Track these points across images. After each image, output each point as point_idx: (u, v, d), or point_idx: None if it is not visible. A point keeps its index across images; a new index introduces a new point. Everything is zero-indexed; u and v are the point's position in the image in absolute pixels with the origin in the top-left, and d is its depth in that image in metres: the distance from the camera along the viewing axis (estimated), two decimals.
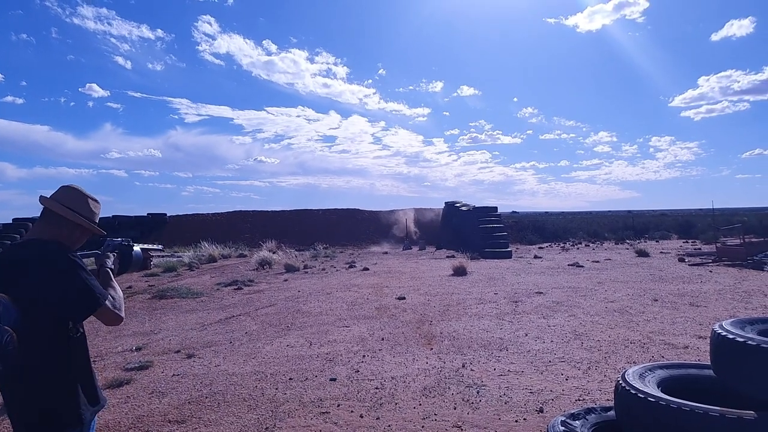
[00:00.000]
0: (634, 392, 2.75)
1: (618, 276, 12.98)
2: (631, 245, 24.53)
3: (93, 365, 2.19)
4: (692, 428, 2.46)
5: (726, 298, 9.35)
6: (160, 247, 2.90)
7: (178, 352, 6.54)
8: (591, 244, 27.11)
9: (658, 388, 2.85)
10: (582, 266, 15.48)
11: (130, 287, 12.42)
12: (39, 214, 2.13)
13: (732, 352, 2.68)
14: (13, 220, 31.32)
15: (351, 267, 17.04)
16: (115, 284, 2.19)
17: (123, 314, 2.09)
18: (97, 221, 2.23)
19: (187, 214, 38.53)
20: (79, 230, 2.15)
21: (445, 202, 30.10)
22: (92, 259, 2.33)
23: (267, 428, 4.04)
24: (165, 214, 37.06)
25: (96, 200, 2.22)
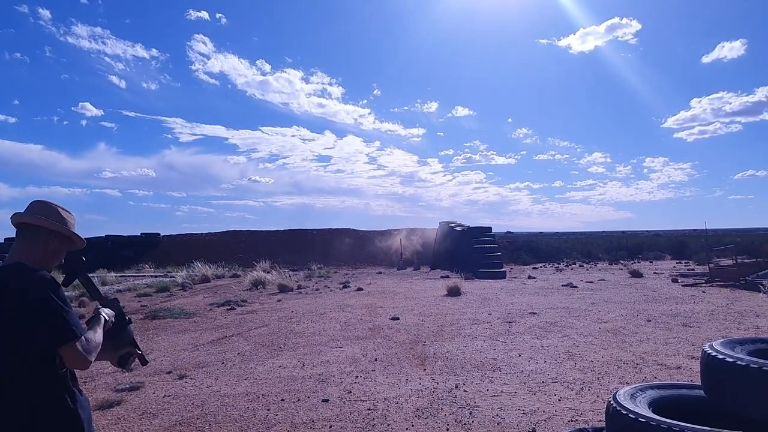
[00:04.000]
0: (625, 412, 2.76)
1: (611, 297, 13.01)
2: (624, 266, 24.64)
3: (83, 394, 2.08)
4: None
5: (719, 319, 9.38)
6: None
7: (169, 372, 6.49)
8: (585, 265, 27.19)
9: (649, 408, 2.86)
10: (576, 287, 15.52)
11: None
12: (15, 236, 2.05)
13: (722, 372, 2.70)
14: (5, 239, 31.14)
15: (345, 287, 17.00)
16: (100, 331, 2.04)
17: (92, 359, 1.92)
18: (73, 230, 2.12)
19: (180, 234, 38.47)
20: (55, 239, 2.05)
21: (440, 222, 30.20)
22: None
23: None
24: (158, 234, 36.98)
25: (68, 211, 2.13)
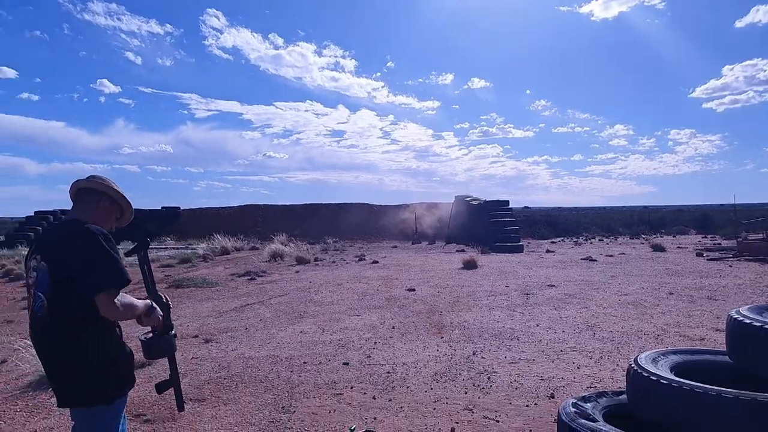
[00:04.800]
0: (646, 375, 2.79)
1: (632, 270, 12.94)
2: (646, 240, 24.37)
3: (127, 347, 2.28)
4: (705, 410, 2.50)
5: (746, 293, 9.27)
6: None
7: (195, 336, 6.67)
8: (605, 239, 26.98)
9: (671, 372, 2.89)
10: (595, 260, 15.44)
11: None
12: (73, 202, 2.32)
13: (749, 336, 2.71)
14: (35, 212, 31.84)
15: (360, 260, 17.13)
16: (140, 304, 2.21)
17: (120, 312, 2.08)
18: (126, 198, 2.38)
19: (200, 208, 38.85)
20: (106, 200, 2.30)
21: (455, 196, 30.04)
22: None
23: (283, 407, 4.14)
24: (178, 208, 37.40)
25: (115, 184, 2.39)
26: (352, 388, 4.61)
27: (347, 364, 5.35)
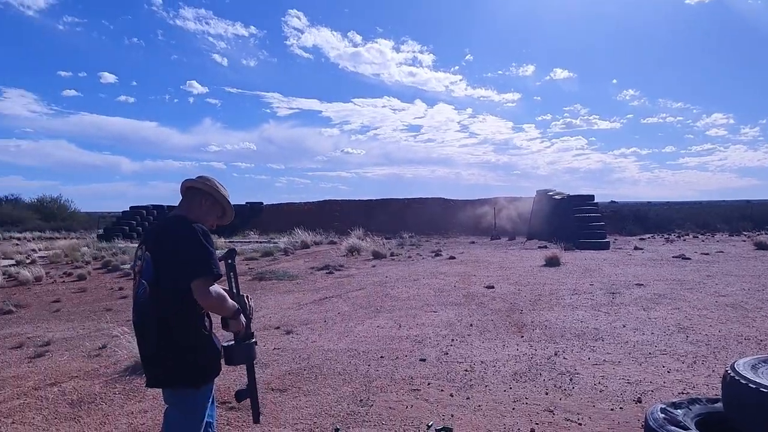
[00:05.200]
0: (744, 382, 2.59)
1: (732, 269, 11.98)
2: (748, 237, 22.48)
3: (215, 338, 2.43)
4: None
5: None
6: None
7: (277, 328, 6.95)
8: (700, 236, 25.17)
9: None
10: (689, 258, 14.45)
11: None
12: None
13: None
14: (129, 207, 34.51)
15: (437, 255, 17.06)
16: (231, 301, 2.33)
17: (213, 300, 2.21)
18: (228, 200, 2.59)
19: (280, 203, 40.37)
20: (208, 200, 2.49)
21: (537, 191, 29.14)
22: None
23: (362, 400, 4.23)
24: (261, 203, 39.07)
25: (224, 187, 2.60)
26: (429, 384, 4.62)
27: (424, 360, 5.36)
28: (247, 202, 38.51)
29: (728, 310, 7.44)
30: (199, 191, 2.49)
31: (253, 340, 2.48)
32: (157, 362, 2.28)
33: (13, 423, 3.95)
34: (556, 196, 26.08)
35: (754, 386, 2.53)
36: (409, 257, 16.66)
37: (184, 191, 2.52)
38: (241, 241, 24.79)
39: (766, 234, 23.08)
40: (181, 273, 2.17)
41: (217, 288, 2.23)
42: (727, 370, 2.80)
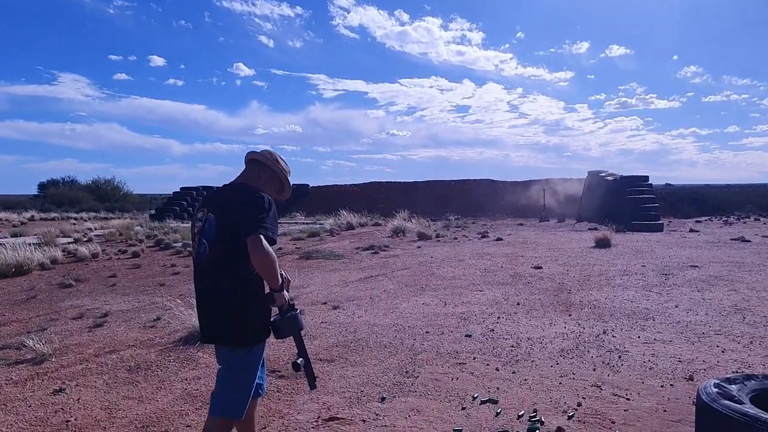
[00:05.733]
0: None
1: None
2: None
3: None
4: None
5: None
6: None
7: (324, 303, 7.12)
8: (761, 219, 23.95)
9: None
10: (748, 241, 13.82)
11: (280, 249, 13.61)
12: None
13: None
14: (180, 188, 35.78)
15: (483, 237, 16.92)
16: (277, 265, 2.33)
17: (266, 258, 2.23)
18: (286, 176, 2.66)
19: (326, 185, 40.86)
20: (267, 173, 2.59)
21: (589, 172, 28.33)
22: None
23: (407, 372, 4.31)
24: (308, 185, 39.67)
25: (285, 161, 2.69)
26: (474, 358, 4.65)
27: (470, 336, 5.39)
28: (294, 184, 39.18)
29: None
30: (260, 164, 2.58)
31: (297, 310, 2.53)
32: (213, 319, 2.39)
33: (77, 386, 4.22)
34: (608, 177, 25.31)
35: None
36: (455, 239, 16.59)
37: (247, 162, 2.63)
38: (288, 222, 25.31)
39: None
40: (240, 228, 2.25)
41: (270, 249, 2.26)
42: None
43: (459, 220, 24.79)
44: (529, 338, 5.27)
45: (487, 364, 4.48)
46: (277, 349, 4.79)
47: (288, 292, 2.54)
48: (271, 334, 2.49)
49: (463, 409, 3.57)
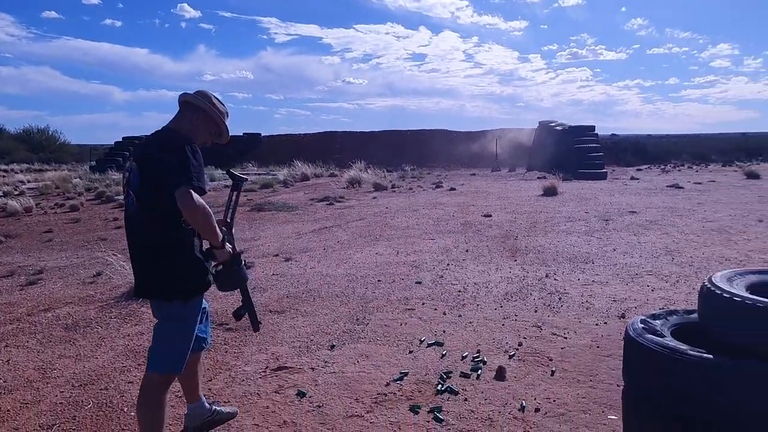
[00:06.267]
0: (719, 293, 2.71)
1: (721, 197, 12.12)
2: (740, 167, 22.52)
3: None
4: None
5: None
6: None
7: (276, 255, 7.13)
8: (695, 167, 25.18)
9: (746, 291, 2.78)
10: (682, 187, 14.56)
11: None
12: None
13: None
14: (122, 138, 34.20)
15: (438, 187, 17.13)
16: (215, 223, 2.26)
17: (199, 213, 2.13)
18: (222, 118, 2.50)
19: (280, 134, 40.06)
20: (201, 116, 2.44)
21: (539, 122, 28.84)
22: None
23: (358, 320, 4.42)
24: (259, 134, 38.78)
25: (222, 102, 2.53)
26: (423, 304, 4.81)
27: (420, 283, 5.55)
28: (244, 133, 38.20)
29: (713, 235, 7.63)
30: (193, 106, 2.42)
31: (242, 262, 2.49)
32: (146, 273, 2.33)
33: (7, 347, 4.03)
34: (558, 128, 25.85)
35: (727, 295, 2.65)
36: (410, 189, 16.73)
37: (180, 105, 2.47)
38: (239, 173, 24.80)
39: (756, 164, 23.09)
40: (165, 181, 2.14)
41: (202, 201, 2.15)
42: (704, 283, 2.92)
43: (415, 170, 24.93)
44: (475, 283, 5.47)
45: (435, 309, 4.65)
46: (225, 303, 4.79)
47: (232, 244, 2.52)
48: (213, 286, 2.45)
49: (411, 352, 3.73)
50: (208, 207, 2.18)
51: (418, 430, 2.73)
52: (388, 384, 3.24)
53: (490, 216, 10.13)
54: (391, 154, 31.53)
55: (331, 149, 33.66)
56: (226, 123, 2.55)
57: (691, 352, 2.64)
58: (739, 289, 2.77)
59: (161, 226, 2.25)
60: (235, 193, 2.66)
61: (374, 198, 14.20)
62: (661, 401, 2.80)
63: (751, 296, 2.63)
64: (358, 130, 39.24)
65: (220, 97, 2.55)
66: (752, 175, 17.53)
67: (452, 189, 16.11)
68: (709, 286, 2.84)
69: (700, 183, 16.03)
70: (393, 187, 17.18)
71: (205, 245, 2.41)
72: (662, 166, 25.78)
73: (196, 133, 2.41)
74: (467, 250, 7.12)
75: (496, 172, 25.02)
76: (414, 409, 2.92)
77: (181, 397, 2.86)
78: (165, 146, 2.24)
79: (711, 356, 2.58)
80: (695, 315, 3.10)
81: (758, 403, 2.46)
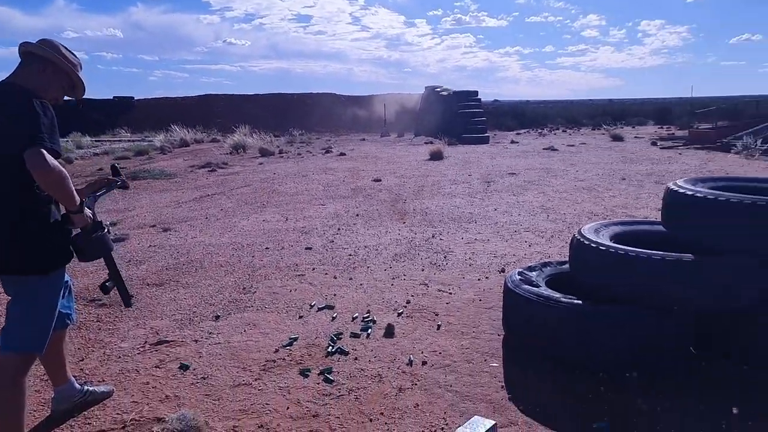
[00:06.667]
0: (587, 243, 2.92)
1: (590, 158, 13.23)
2: (607, 131, 24.73)
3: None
4: (638, 271, 2.66)
5: (689, 176, 9.62)
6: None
7: (153, 226, 6.64)
8: (568, 130, 27.28)
9: (610, 240, 3.03)
10: (556, 150, 15.68)
11: (101, 169, 12.27)
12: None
13: (682, 204, 2.83)
14: None
15: (327, 152, 16.94)
16: (72, 186, 2.03)
17: (53, 176, 1.91)
18: (74, 69, 2.22)
19: (155, 98, 37.28)
20: (50, 68, 2.14)
21: (425, 87, 29.35)
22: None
23: (245, 288, 4.25)
24: (132, 98, 35.79)
25: (73, 53, 2.25)
26: (314, 269, 4.73)
27: (310, 248, 5.45)
28: (115, 97, 35.06)
29: (583, 193, 8.30)
30: (39, 57, 2.12)
31: (105, 229, 2.27)
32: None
33: None
34: (443, 93, 26.51)
35: (594, 245, 2.86)
36: (299, 154, 16.37)
37: (22, 56, 2.14)
38: (111, 140, 22.82)
39: (620, 128, 25.56)
40: (12, 142, 1.89)
41: (56, 163, 1.93)
42: (574, 235, 3.14)
43: (303, 135, 24.42)
44: (365, 246, 5.48)
45: (326, 274, 4.59)
46: (97, 277, 4.38)
47: (92, 209, 2.27)
48: (75, 257, 2.22)
49: (301, 317, 3.65)
50: (63, 169, 1.95)
51: (308, 393, 2.68)
52: (277, 350, 3.15)
53: (380, 180, 10.21)
54: (277, 118, 30.64)
55: (213, 113, 31.95)
56: (80, 75, 2.25)
57: (564, 300, 2.83)
58: (604, 239, 3.00)
59: (11, 192, 1.98)
60: (110, 184, 2.46)
61: (260, 164, 13.72)
62: (536, 346, 3.00)
63: (614, 245, 2.85)
64: (242, 93, 37.58)
65: (69, 48, 2.25)
66: (617, 138, 19.28)
67: (342, 154, 16.02)
68: (578, 237, 3.05)
69: (572, 145, 17.35)
70: (281, 152, 16.70)
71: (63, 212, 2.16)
72: (539, 130, 27.58)
73: (46, 87, 2.11)
74: (358, 215, 7.12)
75: (386, 138, 25.28)
76: (304, 373, 2.87)
77: (47, 380, 2.57)
78: (9, 103, 1.96)
79: (580, 302, 2.78)
80: (567, 266, 3.34)
81: (616, 343, 2.70)
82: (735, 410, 2.35)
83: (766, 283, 2.58)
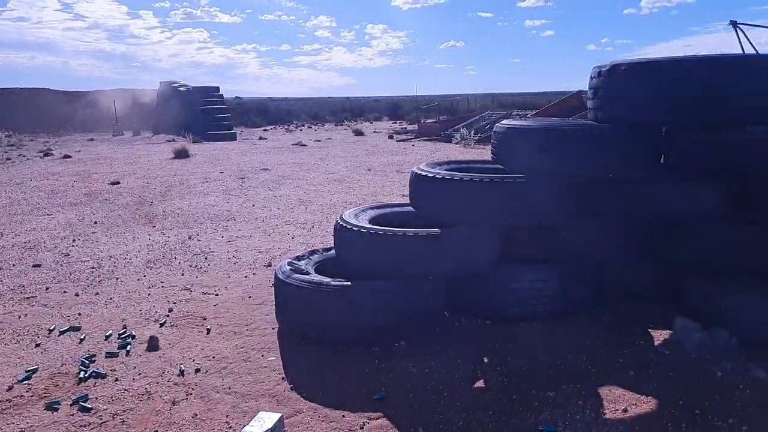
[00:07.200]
0: (348, 226, 3.12)
1: (338, 152, 14.07)
2: (348, 126, 26.59)
3: None
4: (389, 246, 2.97)
5: (429, 162, 11.05)
6: None
7: None
8: (313, 126, 28.48)
9: (369, 223, 3.28)
10: (305, 145, 16.26)
11: None
12: None
13: (425, 184, 3.23)
14: None
15: (47, 155, 14.54)
16: None
17: None
18: None
19: None
20: None
21: (161, 82, 27.30)
22: None
23: None
24: None
25: None
26: (47, 289, 4.03)
27: (39, 265, 4.62)
28: None
29: (336, 184, 8.81)
30: None
31: None
32: None
33: None
34: (182, 89, 25.07)
35: (356, 228, 3.07)
36: (9, 159, 13.67)
37: None
38: None
39: (360, 123, 27.90)
40: None
41: None
42: (337, 220, 3.32)
43: (11, 137, 20.41)
44: (111, 256, 4.89)
45: (65, 292, 3.96)
46: None
47: None
48: None
49: (38, 345, 3.08)
50: None
51: (61, 428, 2.29)
52: (11, 388, 2.61)
53: (119, 183, 9.21)
54: None
55: None
56: None
57: (333, 283, 2.97)
58: (363, 222, 3.24)
59: None
60: None
61: None
62: (312, 332, 3.08)
63: (373, 226, 3.11)
64: None
65: None
66: (359, 133, 20.91)
67: (67, 156, 13.96)
68: (341, 222, 3.24)
69: (319, 140, 18.17)
70: None
71: None
72: (286, 127, 28.14)
73: None
74: (96, 222, 6.29)
75: (119, 137, 22.80)
76: (52, 407, 2.44)
77: None
78: None
79: (349, 283, 2.95)
80: (333, 252, 3.51)
81: (383, 317, 2.96)
82: (486, 359, 2.80)
83: (495, 247, 3.12)
